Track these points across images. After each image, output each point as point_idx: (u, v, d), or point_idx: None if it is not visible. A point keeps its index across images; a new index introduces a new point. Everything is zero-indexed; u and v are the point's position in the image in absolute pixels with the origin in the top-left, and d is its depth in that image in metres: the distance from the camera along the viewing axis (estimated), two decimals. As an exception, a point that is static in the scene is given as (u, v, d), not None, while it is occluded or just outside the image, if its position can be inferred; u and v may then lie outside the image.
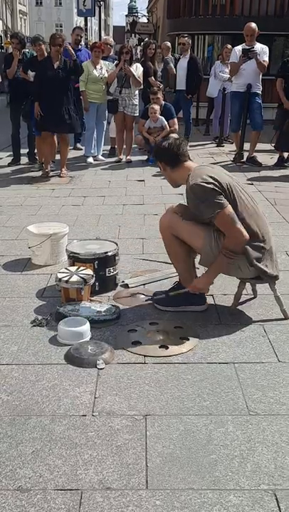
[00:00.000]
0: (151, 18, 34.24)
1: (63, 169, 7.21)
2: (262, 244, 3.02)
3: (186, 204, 3.17)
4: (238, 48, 7.59)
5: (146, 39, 23.85)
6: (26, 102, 7.26)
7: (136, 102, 7.94)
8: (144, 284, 3.66)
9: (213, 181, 2.92)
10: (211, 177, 2.94)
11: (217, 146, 9.54)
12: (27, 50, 8.13)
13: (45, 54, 7.27)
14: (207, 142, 10.03)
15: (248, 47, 7.48)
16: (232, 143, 9.05)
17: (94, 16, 21.40)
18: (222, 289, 3.53)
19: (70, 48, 7.08)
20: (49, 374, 2.61)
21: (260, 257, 3.01)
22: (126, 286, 3.64)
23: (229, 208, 2.91)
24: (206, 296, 3.33)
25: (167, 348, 2.84)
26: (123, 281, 3.67)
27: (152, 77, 8.59)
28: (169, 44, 10.33)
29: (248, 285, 3.35)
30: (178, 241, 3.17)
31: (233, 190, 2.98)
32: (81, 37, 8.93)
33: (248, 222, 2.98)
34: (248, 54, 7.33)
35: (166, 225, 3.22)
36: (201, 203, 2.93)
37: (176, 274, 3.43)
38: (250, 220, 2.99)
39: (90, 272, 3.37)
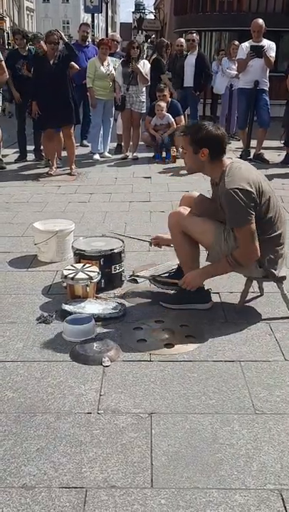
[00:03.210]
0: (158, 14, 34.14)
1: (73, 166, 7.18)
2: (278, 248, 3.01)
3: (205, 196, 3.13)
4: (245, 45, 7.54)
5: (153, 36, 23.77)
6: (31, 98, 7.25)
7: (143, 98, 7.92)
8: (149, 278, 3.66)
9: (251, 190, 2.82)
10: (249, 184, 2.83)
11: (224, 143, 9.49)
12: (32, 46, 8.12)
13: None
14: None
15: (255, 43, 7.43)
16: (239, 140, 9.01)
17: (101, 12, 21.40)
18: (228, 287, 3.51)
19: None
20: (54, 371, 2.60)
21: (273, 259, 2.99)
22: (134, 281, 3.63)
23: (254, 225, 2.86)
24: (211, 295, 3.31)
25: (173, 346, 2.83)
26: (130, 276, 3.66)
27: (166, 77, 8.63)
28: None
29: (254, 283, 3.33)
30: (186, 237, 3.16)
31: (266, 195, 2.91)
32: (87, 33, 8.91)
33: (275, 225, 2.97)
34: (260, 51, 7.27)
35: (175, 221, 3.20)
36: (231, 210, 2.86)
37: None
38: (277, 224, 2.98)
39: (95, 269, 3.36)
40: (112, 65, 7.81)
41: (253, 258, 2.93)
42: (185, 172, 7.06)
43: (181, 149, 3.10)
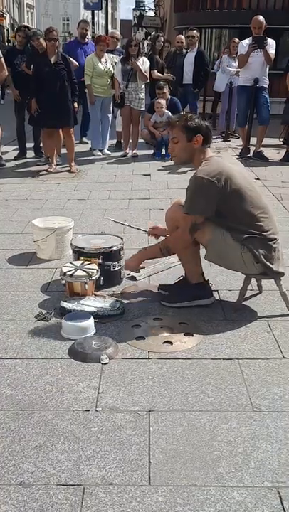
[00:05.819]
0: (159, 11, 34.00)
1: (72, 163, 7.17)
2: (270, 243, 3.00)
3: None
4: (246, 42, 7.54)
5: (154, 33, 23.73)
6: (30, 96, 7.24)
7: (142, 96, 7.90)
8: (149, 276, 3.66)
9: (216, 183, 2.87)
10: (217, 178, 2.88)
11: (223, 141, 9.49)
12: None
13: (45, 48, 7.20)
14: (213, 137, 9.96)
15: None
16: (238, 137, 9.01)
17: (101, 9, 21.40)
18: (227, 285, 3.51)
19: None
20: (53, 369, 2.60)
21: (268, 254, 2.99)
22: (132, 278, 3.63)
23: (200, 218, 2.96)
24: (212, 289, 3.31)
25: (171, 343, 2.83)
26: (129, 274, 3.66)
27: (155, 71, 8.59)
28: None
29: (253, 280, 3.33)
30: None
31: (238, 193, 2.93)
32: (87, 30, 8.88)
33: (259, 220, 2.97)
34: (262, 42, 7.23)
35: (171, 219, 3.21)
36: (188, 195, 2.97)
37: (178, 262, 3.42)
38: (261, 218, 2.98)
39: (94, 266, 3.36)
40: (110, 62, 7.79)
41: (180, 245, 3.05)
42: (185, 169, 7.08)
43: (170, 138, 3.13)
